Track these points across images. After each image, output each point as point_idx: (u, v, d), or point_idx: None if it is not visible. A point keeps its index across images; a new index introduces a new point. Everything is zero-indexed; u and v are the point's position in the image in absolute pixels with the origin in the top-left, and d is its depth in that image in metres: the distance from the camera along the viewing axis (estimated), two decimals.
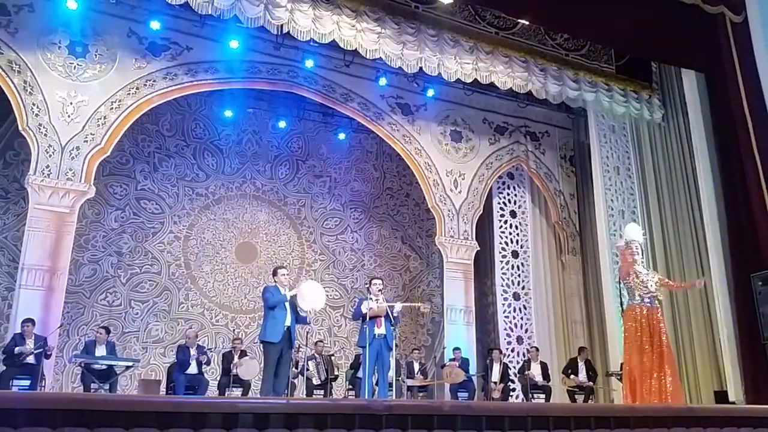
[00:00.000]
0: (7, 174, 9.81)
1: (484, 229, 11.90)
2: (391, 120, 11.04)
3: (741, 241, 9.14)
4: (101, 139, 8.84)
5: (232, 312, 10.91)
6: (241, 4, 8.01)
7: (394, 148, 11.12)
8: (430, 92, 11.22)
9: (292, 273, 10.50)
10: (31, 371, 7.38)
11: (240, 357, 8.84)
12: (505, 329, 11.48)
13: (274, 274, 6.82)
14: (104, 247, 10.24)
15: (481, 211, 11.50)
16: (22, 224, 8.73)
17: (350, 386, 9.54)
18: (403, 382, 9.10)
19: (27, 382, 7.33)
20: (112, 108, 9.00)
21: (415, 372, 9.82)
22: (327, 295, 7.60)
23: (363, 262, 12.23)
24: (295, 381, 8.77)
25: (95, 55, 9.07)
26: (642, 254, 6.74)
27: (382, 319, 6.85)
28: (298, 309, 6.59)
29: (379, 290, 7.04)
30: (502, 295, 11.65)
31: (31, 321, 7.59)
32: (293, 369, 8.22)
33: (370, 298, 6.93)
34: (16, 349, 7.39)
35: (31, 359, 7.46)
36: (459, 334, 10.53)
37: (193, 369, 8.46)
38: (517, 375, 10.51)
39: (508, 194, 12.28)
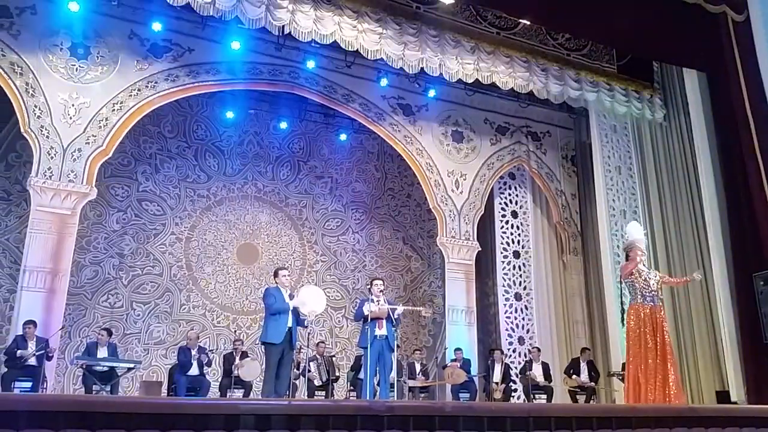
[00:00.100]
0: (9, 176, 9.82)
1: (485, 229, 11.89)
2: (393, 120, 11.05)
3: (743, 241, 9.13)
4: (103, 140, 8.85)
5: (233, 313, 10.92)
6: (243, 6, 8.02)
7: (396, 148, 11.12)
8: (432, 93, 11.22)
9: (294, 274, 10.52)
10: (33, 373, 7.39)
11: (241, 358, 8.84)
12: (507, 330, 11.47)
13: (276, 275, 6.82)
14: (106, 249, 10.25)
15: (483, 212, 11.49)
16: (24, 226, 8.75)
17: (351, 387, 9.54)
18: (405, 383, 9.10)
19: (29, 384, 7.34)
20: (113, 110, 9.01)
21: (417, 373, 9.82)
22: (328, 296, 7.62)
23: (364, 263, 12.23)
24: (297, 382, 8.77)
25: (97, 56, 9.08)
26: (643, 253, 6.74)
27: (384, 320, 6.85)
28: (299, 312, 6.59)
29: (381, 291, 7.04)
30: (503, 295, 11.65)
31: (33, 323, 7.59)
32: (295, 370, 8.22)
33: (372, 299, 6.92)
34: (18, 352, 7.40)
35: (32, 361, 7.47)
36: (460, 335, 10.53)
37: (194, 370, 8.48)
38: (519, 375, 10.51)
39: (510, 194, 12.27)
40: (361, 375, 8.13)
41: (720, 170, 9.68)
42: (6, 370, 7.46)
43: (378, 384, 7.19)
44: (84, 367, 7.84)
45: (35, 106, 8.52)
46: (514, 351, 11.33)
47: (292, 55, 10.22)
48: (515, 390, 10.57)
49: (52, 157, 8.47)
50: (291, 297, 6.63)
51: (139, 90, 9.25)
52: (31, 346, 7.50)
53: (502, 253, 11.86)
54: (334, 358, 10.12)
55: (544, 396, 9.85)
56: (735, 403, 8.56)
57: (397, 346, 9.47)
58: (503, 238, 11.94)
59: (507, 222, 12.07)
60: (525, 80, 9.93)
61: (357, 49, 8.92)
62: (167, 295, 10.50)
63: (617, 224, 10.56)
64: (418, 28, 9.25)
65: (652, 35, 9.67)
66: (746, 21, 9.67)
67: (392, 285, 12.03)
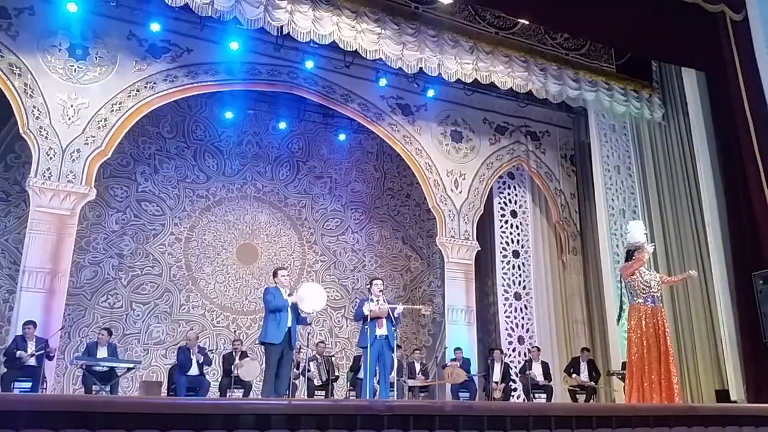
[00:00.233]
0: (8, 177, 9.82)
1: (484, 229, 11.90)
2: (392, 120, 11.05)
3: (742, 240, 9.13)
4: (102, 141, 8.85)
5: (233, 313, 10.92)
6: (241, 6, 8.02)
7: (395, 148, 11.12)
8: (431, 92, 11.22)
9: (293, 274, 10.52)
10: (33, 373, 7.38)
11: (241, 358, 8.84)
12: (506, 329, 11.48)
13: (275, 275, 6.81)
14: (105, 249, 10.25)
15: (482, 211, 11.50)
16: (23, 227, 8.74)
17: (351, 387, 9.54)
18: (405, 382, 9.10)
19: (28, 385, 7.34)
20: (112, 110, 9.01)
21: (417, 372, 9.82)
22: (328, 296, 7.61)
23: (364, 263, 12.23)
24: (297, 382, 8.77)
25: (95, 57, 9.08)
26: None
27: (384, 319, 6.85)
28: (299, 310, 6.59)
29: (380, 291, 7.04)
30: (503, 295, 11.65)
31: (33, 323, 7.59)
32: (294, 370, 8.22)
33: (371, 299, 6.92)
34: (17, 352, 7.40)
35: (32, 361, 7.47)
36: (460, 335, 10.53)
37: (194, 370, 8.48)
38: (519, 375, 10.52)
39: (509, 194, 12.28)
40: (361, 375, 8.14)
41: (719, 169, 9.68)
42: (6, 370, 7.45)
43: (377, 383, 7.18)
44: (84, 367, 7.84)
45: (34, 107, 8.51)
46: (513, 350, 11.33)
47: (291, 55, 10.22)
48: (515, 389, 10.58)
49: (51, 158, 8.46)
50: (290, 296, 6.63)
51: (137, 90, 9.25)
52: (31, 346, 7.50)
53: (501, 252, 11.86)
54: (333, 358, 10.12)
55: (544, 395, 9.86)
56: (735, 402, 8.57)
57: (398, 346, 9.50)
58: (502, 238, 11.94)
59: (506, 222, 12.08)
60: (524, 80, 9.93)
61: (356, 49, 8.92)
62: (167, 295, 10.50)
63: (616, 224, 10.57)
64: (417, 28, 9.25)
65: (650, 35, 9.67)
66: (744, 20, 9.68)
67: (392, 285, 12.04)
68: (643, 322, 6.34)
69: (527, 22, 9.96)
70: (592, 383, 9.86)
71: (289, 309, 6.51)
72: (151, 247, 10.59)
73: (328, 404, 4.35)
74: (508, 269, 11.83)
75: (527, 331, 11.59)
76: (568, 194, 12.38)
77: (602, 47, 10.86)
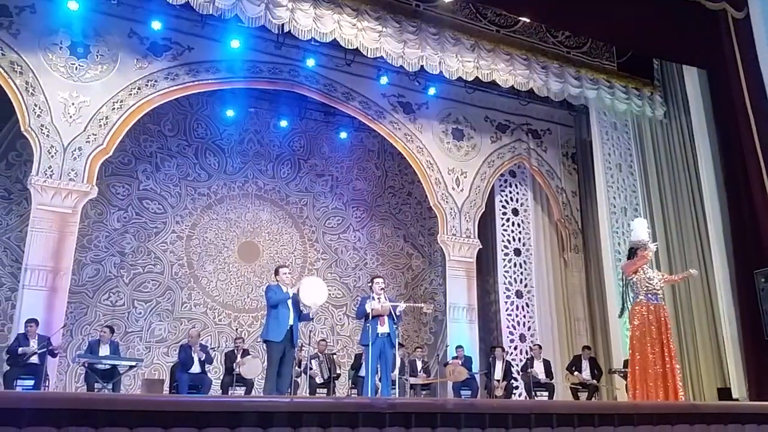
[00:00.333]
0: (10, 175, 9.83)
1: (486, 227, 11.89)
2: (393, 118, 11.04)
3: (744, 238, 9.12)
4: (103, 139, 8.85)
5: (234, 311, 10.93)
6: (242, 4, 8.01)
7: (396, 146, 11.12)
8: (432, 90, 11.21)
9: (295, 272, 10.51)
10: (35, 371, 7.40)
11: (243, 356, 8.85)
12: (508, 327, 11.48)
13: (276, 273, 6.81)
14: (107, 247, 10.26)
15: (483, 209, 11.49)
16: (25, 225, 8.76)
17: (352, 385, 9.55)
18: (406, 380, 9.11)
19: (31, 382, 7.36)
20: (113, 108, 9.01)
21: (418, 370, 9.83)
22: (329, 294, 7.63)
23: (365, 261, 12.23)
24: (298, 380, 8.79)
25: (97, 55, 9.08)
26: None
27: (385, 317, 6.85)
28: (301, 306, 6.59)
29: (382, 289, 7.04)
30: (504, 293, 11.65)
31: (35, 321, 7.60)
32: (296, 368, 8.24)
33: (373, 297, 6.92)
34: (20, 349, 7.41)
35: (34, 359, 7.48)
36: (462, 333, 10.53)
37: (196, 368, 8.49)
38: (520, 373, 10.52)
39: (510, 192, 12.27)
40: (362, 372, 8.14)
41: (720, 167, 9.67)
42: (8, 368, 7.48)
43: (379, 381, 7.19)
44: (86, 365, 7.86)
45: (35, 105, 8.52)
46: (515, 348, 11.33)
47: (292, 53, 10.22)
48: (516, 387, 10.58)
49: (52, 156, 8.47)
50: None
51: (139, 88, 9.25)
52: (33, 344, 7.51)
53: (502, 250, 11.86)
54: (335, 356, 10.13)
55: (546, 393, 9.86)
56: (737, 400, 8.57)
57: (401, 345, 9.52)
58: (504, 236, 11.94)
59: (508, 220, 12.07)
60: (525, 78, 9.92)
61: (357, 47, 8.91)
62: (168, 293, 10.51)
63: (618, 221, 10.56)
64: (418, 26, 9.24)
65: (652, 32, 9.66)
66: (746, 18, 9.66)
67: (393, 283, 12.04)
68: (647, 319, 6.34)
69: (528, 20, 9.94)
70: (594, 381, 9.86)
71: (290, 306, 6.51)
72: (153, 245, 10.60)
73: (330, 402, 4.35)
74: (510, 267, 11.83)
75: (529, 329, 11.59)
76: (570, 192, 12.37)
77: (604, 45, 10.85)
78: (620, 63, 10.96)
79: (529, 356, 10.55)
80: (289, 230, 11.74)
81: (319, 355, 9.59)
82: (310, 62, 10.26)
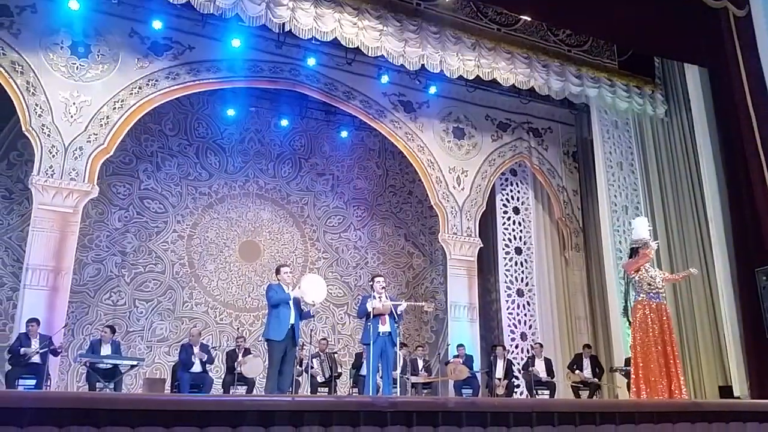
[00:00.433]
0: (11, 174, 9.84)
1: (487, 225, 11.89)
2: (394, 117, 11.04)
3: (745, 236, 9.12)
4: (104, 139, 8.85)
5: (236, 310, 10.93)
6: (243, 3, 8.02)
7: (397, 145, 11.11)
8: (433, 89, 11.20)
9: (296, 271, 10.51)
10: (37, 371, 7.40)
11: (244, 355, 8.86)
12: (509, 326, 11.47)
13: (278, 272, 6.82)
14: (108, 247, 10.27)
15: (484, 208, 11.48)
16: (26, 224, 8.77)
17: (353, 384, 9.55)
18: (408, 379, 9.12)
19: (32, 382, 7.36)
20: (114, 108, 9.01)
21: (419, 369, 9.83)
22: (330, 293, 7.64)
23: (366, 260, 12.23)
24: (300, 379, 8.79)
25: (97, 55, 9.08)
26: None
27: (387, 316, 6.85)
28: (302, 304, 6.59)
29: (383, 288, 7.04)
30: (505, 291, 11.65)
31: (36, 321, 7.61)
32: (297, 367, 8.24)
33: (374, 296, 6.92)
34: (21, 349, 7.42)
35: (36, 359, 7.49)
36: (463, 331, 10.53)
37: (197, 367, 8.50)
38: (521, 371, 10.52)
39: (511, 191, 12.26)
40: (364, 371, 8.14)
41: (722, 165, 9.67)
42: (10, 367, 7.48)
43: (380, 380, 7.19)
44: (87, 364, 7.87)
45: (36, 105, 8.52)
46: (516, 347, 11.33)
47: (293, 52, 10.21)
48: (518, 386, 10.58)
49: (53, 156, 8.47)
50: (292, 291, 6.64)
51: (139, 88, 9.25)
52: (35, 343, 7.51)
53: (503, 249, 11.86)
54: (336, 355, 10.13)
55: (547, 392, 9.86)
56: (738, 398, 8.56)
57: (404, 345, 9.51)
58: (505, 235, 11.94)
59: (509, 218, 12.07)
60: (526, 76, 9.92)
61: (357, 46, 8.92)
62: (170, 292, 10.52)
63: (619, 220, 10.55)
64: (419, 25, 9.24)
65: (653, 31, 9.65)
66: (747, 16, 9.66)
67: (394, 282, 12.05)
68: (649, 318, 6.34)
69: (529, 19, 9.94)
70: (595, 379, 9.86)
71: (291, 305, 6.51)
72: (154, 244, 10.61)
73: (331, 400, 4.35)
74: (511, 266, 11.83)
75: (530, 327, 11.58)
76: (571, 191, 12.37)
77: (605, 44, 10.85)
78: (621, 61, 10.96)
79: (530, 355, 10.55)
80: (290, 229, 11.74)
81: (321, 354, 9.59)
82: (311, 61, 10.26)
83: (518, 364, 10.82)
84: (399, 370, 7.60)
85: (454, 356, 9.92)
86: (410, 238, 12.70)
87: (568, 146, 12.65)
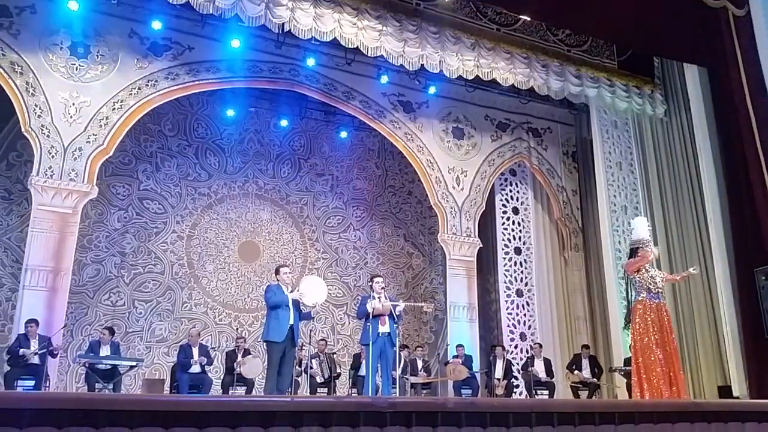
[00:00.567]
0: (10, 175, 9.83)
1: (486, 226, 11.89)
2: (393, 118, 11.04)
3: (744, 236, 9.12)
4: (103, 139, 8.85)
5: (235, 311, 10.93)
6: (242, 4, 8.02)
7: (396, 145, 11.11)
8: (432, 89, 11.20)
9: (295, 272, 10.52)
10: (36, 371, 7.40)
11: (243, 356, 8.85)
12: (508, 326, 11.48)
13: (277, 272, 6.81)
14: (107, 248, 10.26)
15: (484, 208, 11.48)
16: (26, 225, 8.77)
17: (353, 384, 9.55)
18: (407, 379, 9.11)
19: (31, 383, 7.36)
20: (114, 108, 9.01)
21: (419, 369, 9.83)
22: (330, 293, 7.63)
23: (366, 260, 12.23)
24: (299, 379, 8.79)
25: (97, 55, 9.08)
26: None
27: (386, 317, 6.85)
28: (301, 306, 6.59)
29: (382, 288, 7.03)
30: (505, 291, 11.65)
31: (35, 321, 7.60)
32: (297, 367, 8.24)
33: (373, 296, 6.92)
34: (20, 350, 7.41)
35: (35, 359, 7.48)
36: (462, 331, 10.53)
37: (196, 368, 8.50)
38: (521, 371, 10.52)
39: (511, 191, 12.26)
40: (363, 372, 8.13)
41: (721, 165, 9.67)
42: (9, 368, 7.48)
43: (380, 380, 7.19)
44: (87, 365, 7.86)
45: (35, 105, 8.52)
46: (515, 347, 11.33)
47: (292, 52, 10.21)
48: (517, 386, 10.58)
49: (52, 156, 8.47)
50: (291, 293, 6.63)
51: (139, 88, 9.25)
52: (34, 344, 7.50)
53: (503, 249, 11.86)
54: (335, 355, 10.14)
55: (546, 392, 9.86)
56: (737, 398, 8.56)
57: (405, 346, 9.51)
58: (504, 235, 11.94)
59: (508, 218, 12.07)
60: (525, 76, 9.92)
61: (357, 47, 8.92)
62: (169, 293, 10.52)
63: (618, 220, 10.55)
64: (418, 25, 9.24)
65: (652, 31, 9.66)
66: (747, 16, 9.65)
67: (393, 282, 12.05)
68: (649, 318, 6.33)
69: (529, 19, 9.94)
70: (595, 379, 9.86)
71: (290, 306, 6.51)
72: (153, 245, 10.61)
73: (330, 401, 4.35)
74: (510, 266, 11.83)
75: (529, 327, 11.59)
76: (570, 191, 12.37)
77: (604, 44, 10.85)
78: (621, 61, 10.97)
79: (529, 355, 10.55)
80: (290, 230, 11.74)
81: (320, 354, 9.59)
82: (311, 61, 10.26)
83: (517, 364, 10.82)
84: (399, 371, 7.59)
85: (454, 356, 9.91)
86: (410, 238, 12.70)
87: (567, 146, 12.66)
